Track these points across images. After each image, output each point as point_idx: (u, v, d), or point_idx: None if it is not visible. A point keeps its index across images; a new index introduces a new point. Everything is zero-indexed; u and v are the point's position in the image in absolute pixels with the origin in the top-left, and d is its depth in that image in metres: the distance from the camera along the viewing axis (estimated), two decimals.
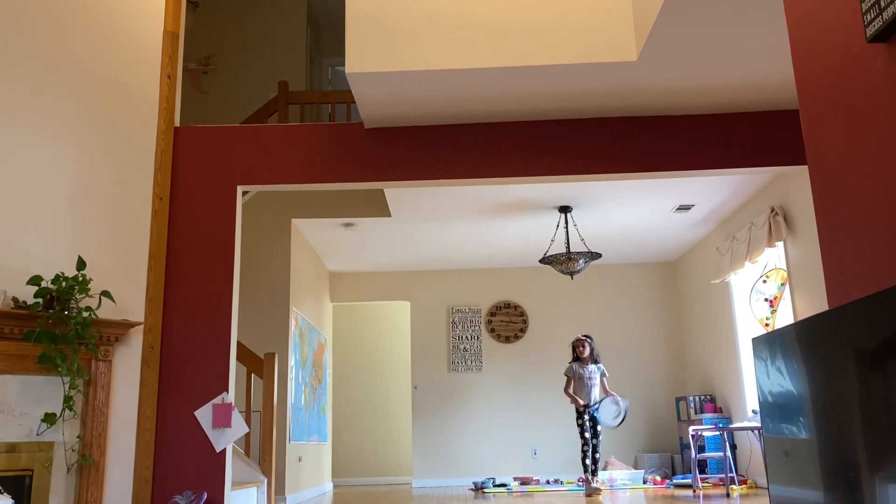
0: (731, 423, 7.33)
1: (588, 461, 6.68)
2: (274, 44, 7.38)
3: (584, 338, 7.04)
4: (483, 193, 6.42)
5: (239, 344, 5.14)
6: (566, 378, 6.96)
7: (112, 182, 4.28)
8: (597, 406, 6.82)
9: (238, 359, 5.08)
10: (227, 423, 4.22)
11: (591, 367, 6.92)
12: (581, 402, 6.76)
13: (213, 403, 4.26)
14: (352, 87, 4.22)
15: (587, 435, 6.72)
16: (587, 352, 6.93)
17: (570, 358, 7.10)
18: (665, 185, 6.35)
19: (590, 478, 6.67)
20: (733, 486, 6.54)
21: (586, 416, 6.79)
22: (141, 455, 4.11)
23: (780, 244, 6.24)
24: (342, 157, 4.68)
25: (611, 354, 8.94)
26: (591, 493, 6.62)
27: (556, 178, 4.69)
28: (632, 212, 7.10)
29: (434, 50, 4.07)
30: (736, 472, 7.16)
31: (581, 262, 6.81)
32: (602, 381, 6.91)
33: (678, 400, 8.54)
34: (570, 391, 6.88)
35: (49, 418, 3.63)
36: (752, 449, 7.02)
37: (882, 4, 1.79)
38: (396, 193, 6.35)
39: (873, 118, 1.91)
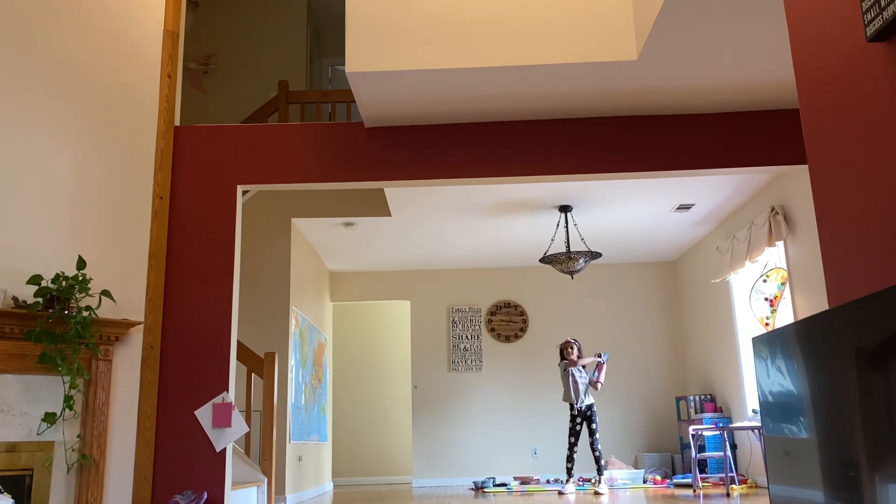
0: (731, 422, 7.33)
1: (570, 464, 7.00)
2: (274, 43, 7.38)
3: (571, 340, 7.20)
4: (483, 193, 6.42)
5: (239, 343, 5.14)
6: (561, 370, 7.15)
7: (112, 182, 4.28)
8: (590, 405, 6.95)
9: (238, 358, 5.08)
10: (227, 423, 4.22)
11: (580, 367, 7.06)
12: (577, 361, 7.02)
13: (214, 403, 4.26)
14: (352, 86, 4.22)
15: (572, 439, 7.00)
16: (574, 354, 7.07)
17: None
18: (665, 185, 6.35)
19: (566, 478, 6.99)
20: (733, 486, 6.54)
21: (579, 418, 6.94)
22: (141, 455, 4.11)
23: (781, 244, 6.24)
24: (342, 157, 4.68)
25: (611, 354, 8.94)
26: (561, 492, 6.86)
27: (556, 178, 4.69)
28: (632, 212, 7.10)
29: (434, 49, 4.07)
30: (736, 471, 7.16)
31: (581, 261, 6.81)
32: (590, 381, 7.09)
33: (678, 399, 8.54)
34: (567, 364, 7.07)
35: (49, 418, 3.63)
36: (752, 448, 7.02)
37: (882, 4, 1.79)
38: (396, 193, 6.35)
39: (873, 118, 1.90)
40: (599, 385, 7.09)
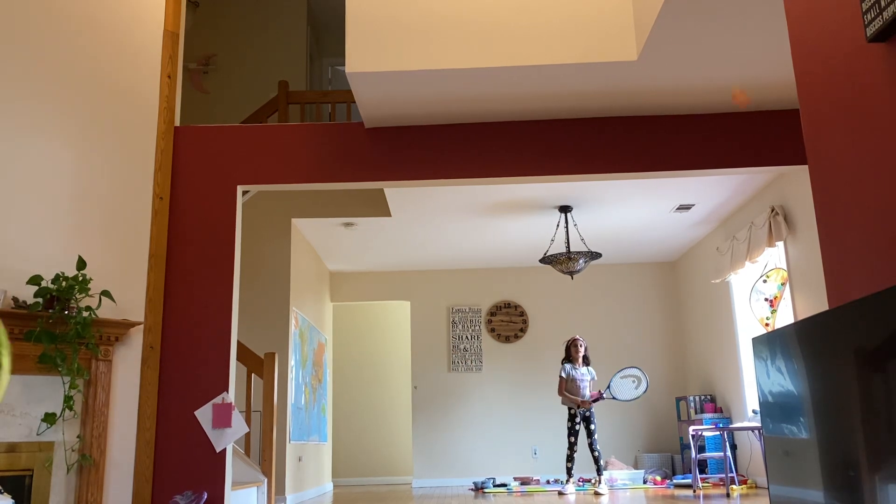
0: (731, 423, 7.33)
1: (570, 464, 6.94)
2: (274, 43, 7.38)
3: (578, 338, 7.18)
4: (483, 193, 6.42)
5: (239, 344, 5.14)
6: (559, 378, 7.06)
7: (112, 182, 4.28)
8: (590, 409, 6.92)
9: (238, 359, 5.08)
10: (228, 423, 4.22)
11: (583, 369, 7.05)
12: (578, 400, 6.89)
13: (214, 403, 4.26)
14: (352, 86, 4.22)
15: (572, 439, 6.94)
16: (581, 353, 7.04)
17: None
18: (665, 185, 6.35)
19: (566, 478, 6.96)
20: (733, 486, 6.54)
21: (578, 418, 6.90)
22: (141, 455, 4.11)
23: (781, 244, 6.24)
24: (342, 157, 4.68)
25: (611, 354, 8.94)
26: (561, 493, 6.84)
27: (556, 178, 4.69)
28: (632, 212, 7.10)
29: (434, 49, 4.07)
30: (736, 472, 7.16)
31: (581, 261, 6.81)
32: (590, 385, 7.02)
33: (678, 400, 8.54)
34: (565, 392, 6.99)
35: (49, 418, 3.63)
36: (752, 449, 7.02)
37: (882, 4, 1.79)
38: (396, 193, 6.35)
39: (873, 118, 1.90)
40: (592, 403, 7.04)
